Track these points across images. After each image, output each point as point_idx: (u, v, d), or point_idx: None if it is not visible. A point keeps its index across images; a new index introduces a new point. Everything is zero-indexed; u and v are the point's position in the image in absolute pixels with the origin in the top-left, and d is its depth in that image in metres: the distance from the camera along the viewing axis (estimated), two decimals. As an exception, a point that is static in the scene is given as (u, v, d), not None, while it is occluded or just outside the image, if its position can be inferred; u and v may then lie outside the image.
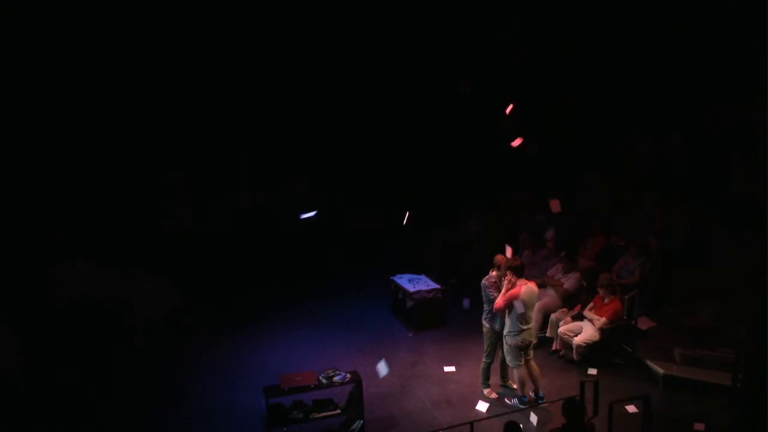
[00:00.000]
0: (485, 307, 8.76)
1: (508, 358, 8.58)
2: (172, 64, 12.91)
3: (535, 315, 9.22)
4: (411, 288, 11.20)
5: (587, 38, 12.82)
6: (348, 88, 14.24)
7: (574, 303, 10.24)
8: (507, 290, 8.31)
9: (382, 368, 7.76)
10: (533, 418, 8.12)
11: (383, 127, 14.53)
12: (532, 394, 8.72)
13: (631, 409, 8.36)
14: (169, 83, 12.96)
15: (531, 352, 8.59)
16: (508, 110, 9.53)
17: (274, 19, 13.33)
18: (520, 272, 8.37)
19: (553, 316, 10.14)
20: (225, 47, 13.17)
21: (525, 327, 8.35)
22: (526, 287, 8.30)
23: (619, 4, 12.25)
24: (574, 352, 9.49)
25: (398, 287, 11.58)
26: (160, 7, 12.36)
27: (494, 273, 8.72)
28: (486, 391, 9.02)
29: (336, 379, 8.01)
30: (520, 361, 8.46)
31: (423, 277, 11.62)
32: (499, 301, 8.33)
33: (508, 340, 8.43)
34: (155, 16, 12.39)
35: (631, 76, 12.25)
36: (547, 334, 10.09)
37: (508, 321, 8.39)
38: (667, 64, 11.72)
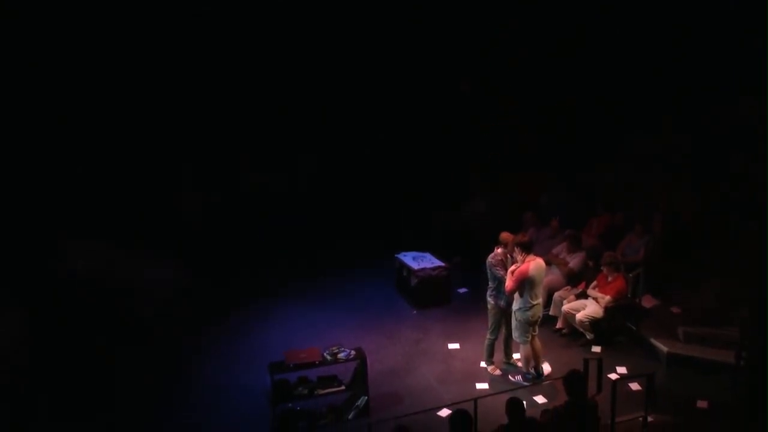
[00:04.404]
0: (490, 284, 8.61)
1: (515, 334, 8.44)
2: (177, 53, 12.70)
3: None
4: (415, 265, 11.06)
5: (587, 38, 12.62)
6: (348, 86, 14.03)
7: (578, 281, 10.09)
8: (513, 271, 8.17)
9: None
10: (539, 399, 8.07)
11: (382, 110, 14.36)
12: (532, 370, 8.60)
13: (634, 386, 8.26)
14: (172, 72, 12.77)
15: (537, 329, 8.47)
16: None
17: (274, 18, 13.13)
18: (528, 248, 8.20)
19: (556, 294, 10.00)
20: (224, 46, 12.96)
21: (535, 302, 8.21)
22: (535, 263, 8.14)
23: (619, 4, 12.05)
24: (583, 329, 9.35)
25: (403, 265, 11.45)
26: (159, 5, 12.17)
27: (499, 250, 8.57)
28: (490, 368, 8.91)
29: (341, 355, 7.90)
30: (528, 337, 8.33)
31: (427, 255, 11.48)
32: (510, 284, 8.16)
33: (518, 316, 8.29)
34: (154, 14, 12.20)
35: (630, 73, 12.08)
36: (551, 313, 9.94)
37: (518, 296, 8.25)
38: (667, 64, 11.56)
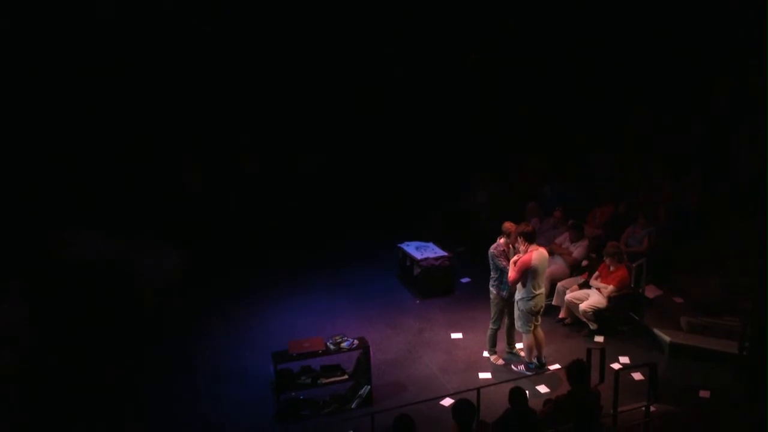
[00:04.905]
0: (492, 274, 8.60)
1: (518, 324, 8.43)
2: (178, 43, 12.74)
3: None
4: (418, 255, 11.05)
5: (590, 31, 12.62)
6: (351, 76, 14.04)
7: (581, 271, 10.07)
8: (516, 261, 8.16)
9: None
10: (542, 388, 8.08)
11: (385, 100, 14.32)
12: (535, 360, 8.60)
13: (637, 376, 8.25)
14: (174, 62, 12.81)
15: (539, 319, 8.46)
16: None
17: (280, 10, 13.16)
18: (531, 238, 8.16)
19: (559, 284, 9.98)
20: (226, 36, 13.05)
21: (537, 292, 8.19)
22: (537, 252, 8.10)
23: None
24: (587, 319, 9.33)
25: (406, 255, 11.43)
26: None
27: (502, 240, 8.55)
28: (492, 358, 8.91)
29: (344, 345, 7.91)
30: (531, 327, 8.32)
31: (431, 245, 11.47)
32: (513, 274, 8.13)
33: (520, 306, 8.27)
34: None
35: (635, 64, 12.04)
36: (554, 303, 9.92)
37: (521, 286, 8.23)
38: (671, 54, 11.53)
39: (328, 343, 7.91)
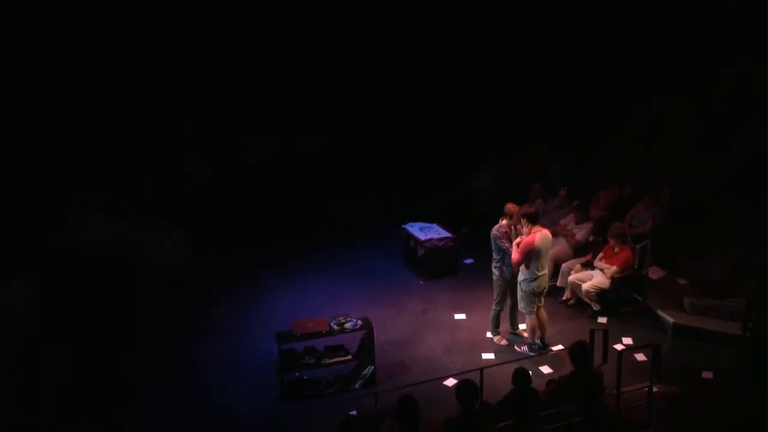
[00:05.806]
0: (495, 255, 8.58)
1: (521, 305, 8.42)
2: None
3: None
4: (422, 236, 11.03)
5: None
6: (354, 56, 13.93)
7: (585, 252, 10.05)
8: (519, 243, 8.13)
9: None
10: (545, 369, 8.08)
11: (390, 80, 14.22)
12: (538, 340, 8.60)
13: (640, 357, 8.25)
14: (178, 42, 12.72)
15: (542, 300, 8.44)
16: None
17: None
18: (534, 219, 8.13)
19: (563, 265, 9.96)
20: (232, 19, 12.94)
21: (540, 273, 8.17)
22: (541, 234, 8.07)
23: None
24: (590, 300, 9.32)
25: (410, 236, 11.42)
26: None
27: (504, 222, 8.51)
28: (496, 339, 8.92)
29: (347, 325, 7.92)
30: (534, 308, 8.31)
31: (434, 226, 11.44)
32: (516, 256, 8.11)
33: (524, 287, 8.25)
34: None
35: (642, 51, 11.93)
36: (558, 284, 9.90)
37: (524, 267, 8.20)
38: (675, 42, 11.43)
39: (332, 324, 7.93)
